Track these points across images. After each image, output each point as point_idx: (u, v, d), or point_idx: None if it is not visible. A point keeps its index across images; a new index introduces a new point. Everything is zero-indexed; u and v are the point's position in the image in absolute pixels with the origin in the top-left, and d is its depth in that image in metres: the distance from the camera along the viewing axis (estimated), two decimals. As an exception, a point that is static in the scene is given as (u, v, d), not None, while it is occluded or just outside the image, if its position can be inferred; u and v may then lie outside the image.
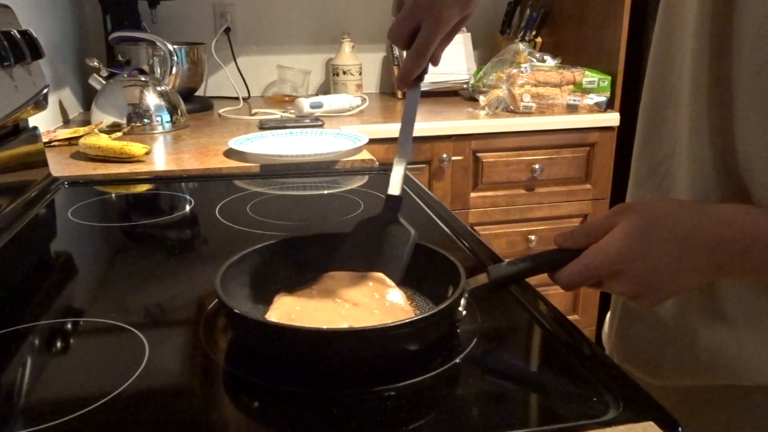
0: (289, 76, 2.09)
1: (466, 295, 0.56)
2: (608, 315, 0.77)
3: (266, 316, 0.56)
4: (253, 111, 1.87)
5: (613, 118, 1.84)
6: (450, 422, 0.46)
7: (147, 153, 1.25)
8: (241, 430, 0.48)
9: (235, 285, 0.59)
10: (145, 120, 1.55)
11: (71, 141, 1.37)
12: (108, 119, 1.52)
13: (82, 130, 1.39)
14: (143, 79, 1.60)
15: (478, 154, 1.77)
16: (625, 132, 1.82)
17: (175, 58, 1.61)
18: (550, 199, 1.86)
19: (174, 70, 1.61)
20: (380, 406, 0.47)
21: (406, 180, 1.08)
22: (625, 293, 0.53)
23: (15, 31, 0.99)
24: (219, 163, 1.26)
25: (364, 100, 1.92)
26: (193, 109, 1.82)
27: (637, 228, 0.51)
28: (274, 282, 0.64)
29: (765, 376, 0.57)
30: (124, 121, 1.53)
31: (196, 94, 1.96)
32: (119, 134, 1.34)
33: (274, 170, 1.22)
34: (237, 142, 1.33)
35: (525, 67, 1.83)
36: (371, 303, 0.57)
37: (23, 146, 1.03)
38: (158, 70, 1.72)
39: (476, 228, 1.81)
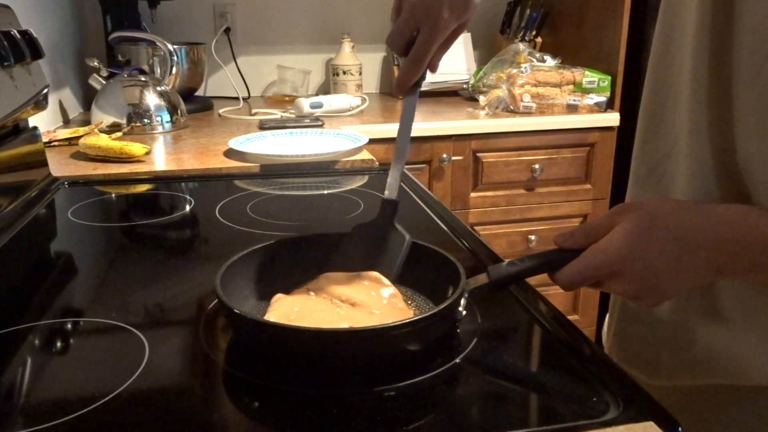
0: (289, 76, 2.09)
1: (466, 295, 0.56)
2: (608, 315, 0.77)
3: (265, 318, 0.56)
4: (253, 111, 1.87)
5: (613, 118, 1.84)
6: (450, 422, 0.46)
7: (147, 153, 1.25)
8: (241, 430, 0.48)
9: (235, 285, 0.59)
10: (145, 120, 1.55)
11: (71, 141, 1.37)
12: (108, 119, 1.52)
13: (82, 130, 1.39)
14: (143, 79, 1.60)
15: (478, 154, 1.77)
16: (625, 132, 1.82)
17: (175, 58, 1.61)
18: (550, 199, 1.86)
19: (174, 70, 1.61)
20: (380, 406, 0.47)
21: (407, 180, 1.09)
22: (625, 293, 0.53)
23: (15, 31, 0.99)
24: (219, 163, 1.26)
25: (364, 100, 1.92)
26: (193, 109, 1.82)
27: (636, 228, 0.51)
28: (275, 282, 0.64)
29: (764, 376, 0.57)
30: (124, 121, 1.53)
31: (196, 94, 1.97)
32: (119, 134, 1.34)
33: (274, 170, 1.22)
34: (237, 142, 1.33)
35: (525, 67, 1.83)
36: (369, 302, 0.58)
37: (23, 146, 1.03)
38: (158, 70, 1.72)
39: (476, 228, 1.81)
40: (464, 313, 0.58)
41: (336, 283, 0.60)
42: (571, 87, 1.85)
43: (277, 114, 1.82)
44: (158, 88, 1.59)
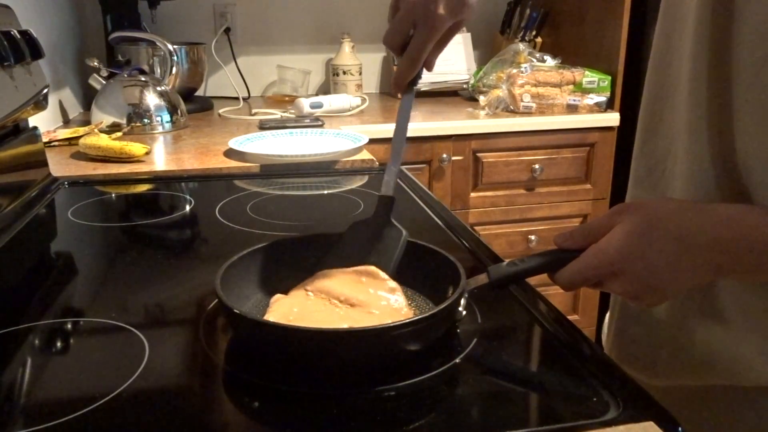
0: (289, 76, 2.09)
1: (466, 296, 0.56)
2: (607, 315, 0.77)
3: (264, 319, 0.56)
4: (253, 111, 1.87)
5: (613, 118, 1.84)
6: (450, 422, 0.46)
7: (147, 153, 1.25)
8: (240, 430, 0.48)
9: (235, 285, 0.59)
10: (145, 120, 1.55)
11: (71, 141, 1.37)
12: (108, 119, 1.52)
13: (82, 130, 1.39)
14: (143, 79, 1.60)
15: (478, 154, 1.77)
16: (625, 132, 1.82)
17: (175, 58, 1.61)
18: (550, 199, 1.86)
19: (174, 70, 1.61)
20: (380, 406, 0.47)
21: (407, 180, 1.09)
22: (625, 293, 0.53)
23: (15, 31, 0.99)
24: (219, 163, 1.26)
25: (364, 100, 1.92)
26: (193, 109, 1.82)
27: (636, 228, 0.51)
28: (275, 282, 0.64)
29: (763, 377, 0.57)
30: (124, 121, 1.53)
31: (196, 94, 1.96)
32: (119, 134, 1.34)
33: (274, 170, 1.22)
34: (237, 142, 1.33)
35: (525, 67, 1.83)
36: (368, 301, 0.57)
37: (23, 146, 1.03)
38: (158, 70, 1.72)
39: (476, 228, 1.81)
40: (464, 313, 0.58)
41: (334, 282, 0.60)
42: (571, 87, 1.85)
43: (277, 114, 1.82)
44: (158, 88, 1.59)
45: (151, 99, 1.56)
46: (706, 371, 0.61)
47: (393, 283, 0.60)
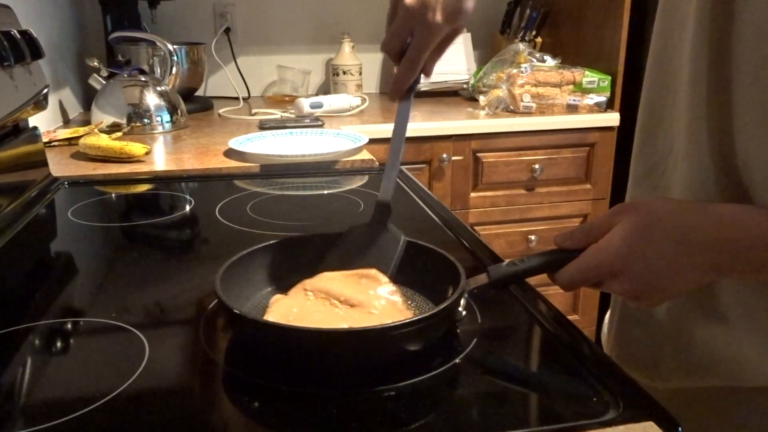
0: (289, 76, 2.09)
1: (466, 296, 0.56)
2: (607, 315, 0.77)
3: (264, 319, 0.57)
4: (253, 111, 1.87)
5: (613, 118, 1.84)
6: (450, 422, 0.46)
7: (147, 153, 1.25)
8: (240, 430, 0.48)
9: (235, 285, 0.59)
10: (145, 120, 1.55)
11: (71, 141, 1.37)
12: (108, 119, 1.52)
13: (82, 130, 1.39)
14: (143, 79, 1.60)
15: (478, 154, 1.77)
16: (625, 132, 1.82)
17: (175, 58, 1.61)
18: (550, 199, 1.86)
19: (174, 70, 1.61)
20: (380, 406, 0.47)
21: (407, 180, 1.09)
22: (625, 293, 0.53)
23: (15, 31, 0.99)
24: (219, 163, 1.26)
25: (364, 100, 1.92)
26: (193, 109, 1.82)
27: (636, 228, 0.51)
28: (275, 282, 0.64)
29: (764, 377, 0.57)
30: (124, 121, 1.53)
31: (196, 94, 1.96)
32: (119, 134, 1.34)
33: (274, 170, 1.22)
34: (237, 142, 1.33)
35: (525, 67, 1.83)
36: (367, 302, 0.57)
37: (23, 146, 1.03)
38: (158, 70, 1.72)
39: (476, 228, 1.81)
40: (464, 313, 0.58)
41: (334, 283, 0.60)
42: (571, 87, 1.85)
43: (277, 114, 1.82)
44: (158, 88, 1.59)
45: (151, 99, 1.56)
46: (707, 372, 0.61)
47: (393, 286, 0.60)
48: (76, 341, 0.59)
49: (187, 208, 1.02)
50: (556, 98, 1.84)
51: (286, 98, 2.06)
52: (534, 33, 2.14)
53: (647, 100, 0.68)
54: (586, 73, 1.86)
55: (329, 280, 0.61)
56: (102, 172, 1.18)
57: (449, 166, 1.75)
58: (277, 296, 0.60)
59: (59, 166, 1.22)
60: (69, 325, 0.62)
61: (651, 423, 0.44)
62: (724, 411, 0.62)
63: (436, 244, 0.64)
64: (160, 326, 0.62)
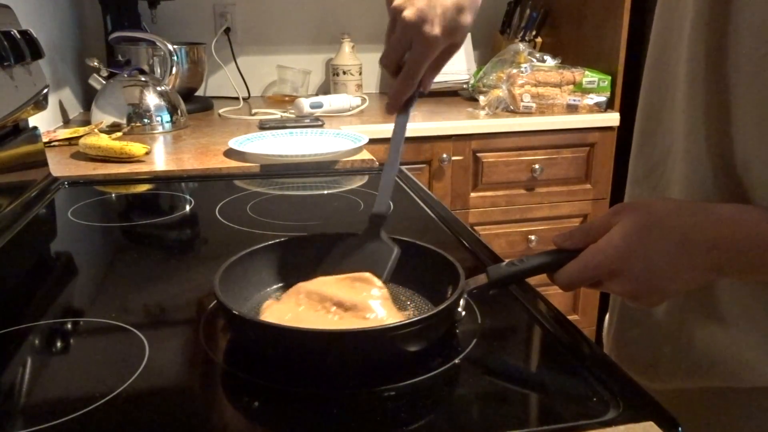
0: (289, 76, 2.09)
1: (465, 296, 0.56)
2: (607, 316, 0.77)
3: None
4: (253, 111, 1.87)
5: (613, 118, 1.84)
6: (450, 422, 0.46)
7: (147, 153, 1.25)
8: (240, 430, 0.48)
9: (235, 285, 0.59)
10: (145, 120, 1.55)
11: (71, 141, 1.37)
12: (108, 119, 1.52)
13: (82, 130, 1.39)
14: (143, 79, 1.60)
15: (478, 154, 1.77)
16: (625, 132, 1.82)
17: (175, 58, 1.61)
18: (550, 199, 1.86)
19: (174, 70, 1.61)
20: (380, 406, 0.47)
21: (407, 180, 1.09)
22: (625, 293, 0.53)
23: (15, 31, 0.99)
24: (219, 163, 1.26)
25: (364, 100, 1.92)
26: (193, 109, 1.82)
27: (636, 227, 0.51)
28: (274, 282, 0.64)
29: (764, 377, 0.57)
30: (124, 121, 1.53)
31: (196, 94, 1.96)
32: (119, 134, 1.34)
33: (274, 170, 1.22)
34: (237, 142, 1.33)
35: (525, 67, 1.83)
36: (362, 305, 0.56)
37: (23, 146, 1.03)
38: (158, 70, 1.72)
39: (476, 228, 1.81)
40: (463, 313, 0.58)
41: (327, 286, 0.59)
42: (571, 87, 1.85)
43: (277, 114, 1.82)
44: (158, 88, 1.59)
45: (151, 99, 1.56)
46: (706, 372, 0.61)
47: (386, 289, 0.59)
48: (76, 341, 0.59)
49: (187, 208, 1.02)
50: (556, 98, 1.84)
51: (286, 98, 2.06)
52: (534, 33, 2.14)
53: (646, 101, 0.68)
54: (586, 73, 1.86)
55: (322, 283, 0.60)
56: (102, 172, 1.18)
57: (449, 166, 1.75)
58: (269, 302, 0.59)
59: (59, 166, 1.22)
60: (69, 325, 0.62)
61: (651, 423, 0.44)
62: (724, 412, 0.62)
63: (436, 244, 0.64)
64: (160, 326, 0.62)
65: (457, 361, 0.53)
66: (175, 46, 1.62)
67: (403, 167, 1.17)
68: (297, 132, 1.47)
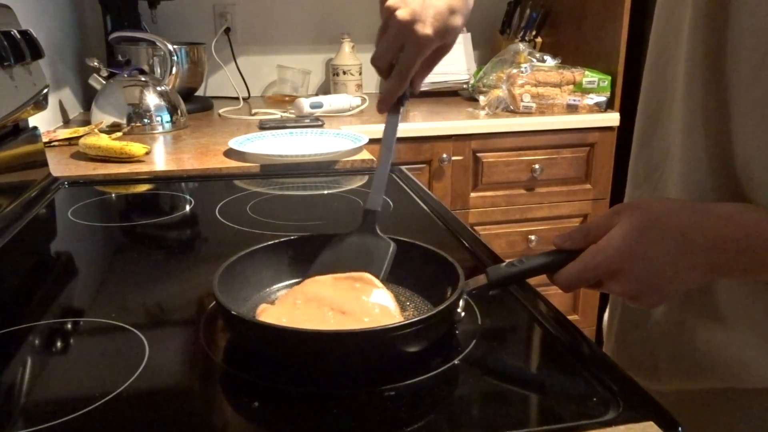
0: (289, 76, 2.09)
1: (465, 297, 0.56)
2: (606, 316, 0.77)
3: None
4: (253, 111, 1.87)
5: (613, 118, 1.84)
6: (450, 422, 0.46)
7: (147, 153, 1.25)
8: (240, 430, 0.48)
9: (234, 286, 0.59)
10: (145, 120, 1.55)
11: (71, 141, 1.37)
12: (108, 119, 1.52)
13: (82, 130, 1.39)
14: (143, 79, 1.60)
15: (478, 154, 1.77)
16: (625, 132, 1.82)
17: (175, 58, 1.61)
18: (550, 199, 1.86)
19: (174, 70, 1.61)
20: (380, 406, 0.47)
21: (407, 180, 1.09)
22: (625, 293, 0.53)
23: (15, 31, 0.99)
24: (219, 163, 1.26)
25: (364, 100, 1.92)
26: (193, 109, 1.82)
27: (636, 227, 0.51)
28: (274, 283, 0.64)
29: (765, 379, 0.57)
30: (124, 121, 1.53)
31: (196, 94, 1.96)
32: (119, 134, 1.34)
33: (274, 170, 1.22)
34: (237, 142, 1.33)
35: (525, 67, 1.83)
36: (360, 309, 0.56)
37: (23, 146, 1.03)
38: (158, 70, 1.72)
39: (476, 228, 1.81)
40: (463, 314, 0.58)
41: (326, 289, 0.59)
42: (571, 87, 1.85)
43: (277, 114, 1.82)
44: (158, 88, 1.59)
45: (151, 99, 1.56)
46: (707, 374, 0.61)
47: (385, 290, 0.59)
48: (76, 341, 0.59)
49: (187, 208, 1.02)
50: (556, 98, 1.84)
51: (286, 98, 2.06)
52: (534, 33, 2.14)
53: (645, 103, 0.68)
54: (586, 73, 1.86)
55: (321, 285, 0.59)
56: (102, 172, 1.18)
57: (449, 166, 1.75)
58: (264, 306, 0.58)
59: (59, 166, 1.22)
60: (69, 325, 0.62)
61: (651, 423, 0.44)
62: (724, 414, 0.62)
63: (436, 244, 0.64)
64: (160, 326, 0.62)
65: (456, 361, 0.53)
66: (175, 46, 1.62)
67: (403, 167, 1.17)
68: (297, 132, 1.47)
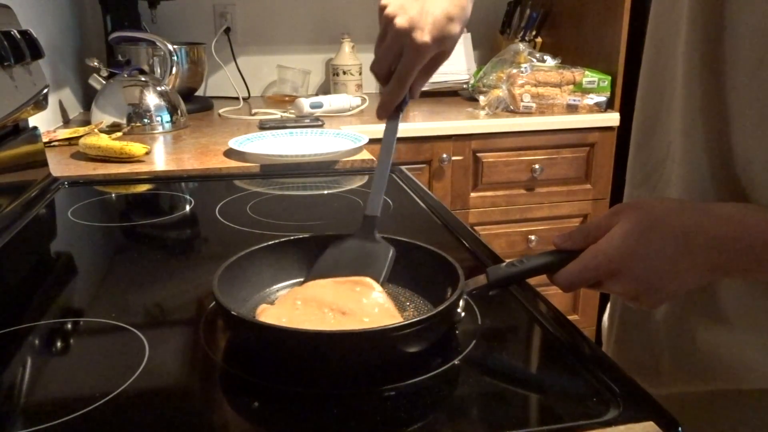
0: (289, 76, 2.09)
1: (465, 297, 0.56)
2: (606, 316, 0.77)
3: None
4: (253, 111, 1.87)
5: (613, 118, 1.84)
6: (450, 422, 0.46)
7: (147, 153, 1.25)
8: (240, 430, 0.48)
9: (234, 286, 0.59)
10: (145, 120, 1.55)
11: (71, 141, 1.37)
12: (108, 119, 1.52)
13: (82, 130, 1.39)
14: (143, 79, 1.60)
15: (478, 154, 1.77)
16: (625, 132, 1.82)
17: (175, 58, 1.61)
18: (550, 199, 1.86)
19: (174, 70, 1.61)
20: (380, 406, 0.47)
21: (407, 180, 1.09)
22: (625, 294, 0.53)
23: (15, 31, 0.99)
24: (219, 163, 1.26)
25: (364, 100, 1.92)
26: (193, 109, 1.82)
27: (636, 227, 0.51)
28: (274, 283, 0.64)
29: (766, 379, 0.57)
30: (124, 121, 1.53)
31: (196, 94, 1.96)
32: (119, 134, 1.34)
33: (274, 170, 1.22)
34: (237, 142, 1.33)
35: (525, 67, 1.83)
36: (360, 310, 0.56)
37: (23, 146, 1.03)
38: (158, 70, 1.72)
39: (476, 228, 1.81)
40: (463, 314, 0.58)
41: (325, 291, 0.59)
42: (571, 87, 1.85)
43: (277, 114, 1.82)
44: (158, 88, 1.59)
45: (151, 99, 1.56)
46: (708, 375, 0.61)
47: (385, 294, 0.59)
48: (76, 341, 0.59)
49: (187, 208, 1.02)
50: (556, 98, 1.84)
51: (286, 98, 2.06)
52: (534, 33, 2.14)
53: (642, 105, 0.68)
54: (586, 73, 1.86)
55: (321, 287, 0.59)
56: (102, 172, 1.18)
57: (449, 166, 1.75)
58: (264, 306, 0.58)
59: (59, 166, 1.22)
60: (69, 325, 0.62)
61: (651, 423, 0.44)
62: (726, 415, 0.62)
63: (436, 245, 0.64)
64: (160, 326, 0.62)
65: (456, 361, 0.53)
66: (175, 46, 1.62)
67: (403, 167, 1.17)
68: (297, 132, 1.47)
